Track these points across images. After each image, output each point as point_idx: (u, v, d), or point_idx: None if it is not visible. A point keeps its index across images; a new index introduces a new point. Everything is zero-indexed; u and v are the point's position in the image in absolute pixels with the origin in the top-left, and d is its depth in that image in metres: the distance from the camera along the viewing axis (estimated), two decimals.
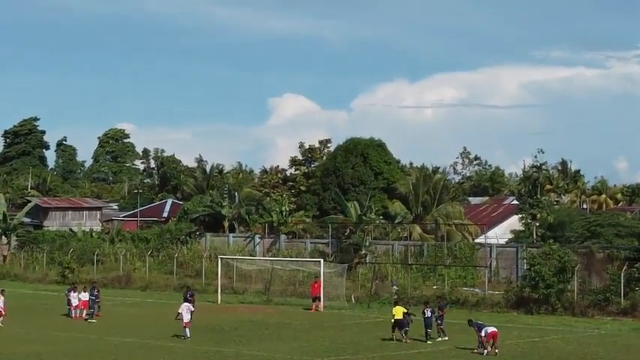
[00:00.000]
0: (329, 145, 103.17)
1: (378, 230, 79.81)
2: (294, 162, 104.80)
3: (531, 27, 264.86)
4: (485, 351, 40.58)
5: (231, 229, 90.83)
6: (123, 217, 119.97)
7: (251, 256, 78.75)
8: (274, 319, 54.98)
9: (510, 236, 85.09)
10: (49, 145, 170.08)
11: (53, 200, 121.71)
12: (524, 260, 64.30)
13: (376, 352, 41.95)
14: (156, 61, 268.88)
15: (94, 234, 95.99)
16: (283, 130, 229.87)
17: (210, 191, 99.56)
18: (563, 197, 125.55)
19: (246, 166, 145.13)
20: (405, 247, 75.74)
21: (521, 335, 47.67)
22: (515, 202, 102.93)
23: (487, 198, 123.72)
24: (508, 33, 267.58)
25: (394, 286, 64.08)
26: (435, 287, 65.70)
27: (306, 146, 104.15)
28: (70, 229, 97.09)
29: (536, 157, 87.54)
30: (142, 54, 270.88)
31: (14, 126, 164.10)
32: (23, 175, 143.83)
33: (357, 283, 67.81)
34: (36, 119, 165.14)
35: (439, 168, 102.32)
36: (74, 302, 53.95)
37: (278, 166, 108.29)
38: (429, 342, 44.83)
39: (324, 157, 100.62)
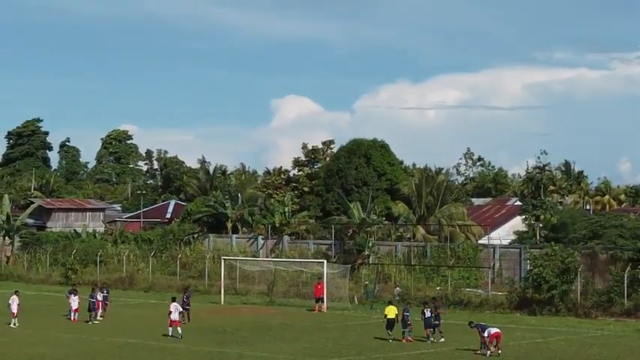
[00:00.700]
0: (332, 146, 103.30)
1: (381, 231, 79.78)
2: (297, 163, 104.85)
3: (534, 28, 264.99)
4: (489, 352, 40.55)
5: (234, 230, 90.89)
6: (126, 218, 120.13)
7: (254, 257, 78.75)
8: (277, 320, 54.98)
9: (513, 237, 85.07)
10: (52, 147, 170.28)
11: (56, 201, 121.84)
12: (528, 261, 64.24)
13: (379, 352, 41.92)
14: (158, 62, 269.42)
15: (97, 235, 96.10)
16: (286, 132, 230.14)
17: (214, 192, 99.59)
18: (567, 198, 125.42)
19: (249, 167, 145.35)
20: (408, 248, 75.71)
21: (524, 336, 47.63)
22: (518, 203, 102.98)
23: (490, 199, 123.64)
24: (510, 34, 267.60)
25: (397, 288, 64.10)
26: (438, 288, 65.69)
27: (309, 147, 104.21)
28: (74, 230, 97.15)
29: (539, 158, 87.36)
30: (145, 55, 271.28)
31: (17, 127, 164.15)
32: (26, 177, 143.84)
33: (359, 284, 67.79)
34: (39, 120, 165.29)
35: (442, 169, 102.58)
36: (74, 305, 53.84)
37: (281, 167, 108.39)
38: (432, 340, 44.94)
39: (327, 158, 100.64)
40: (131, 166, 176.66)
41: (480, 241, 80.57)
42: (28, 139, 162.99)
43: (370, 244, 73.97)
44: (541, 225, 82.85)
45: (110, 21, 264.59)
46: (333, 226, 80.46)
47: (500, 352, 40.58)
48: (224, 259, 68.63)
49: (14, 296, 52.90)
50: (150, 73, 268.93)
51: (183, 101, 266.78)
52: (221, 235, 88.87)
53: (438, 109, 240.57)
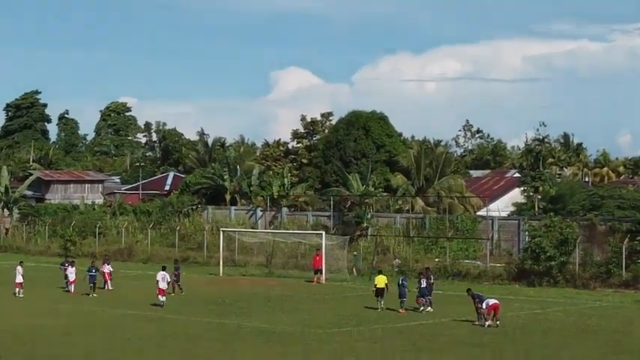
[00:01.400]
0: (331, 118, 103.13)
1: (379, 203, 79.77)
2: (296, 135, 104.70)
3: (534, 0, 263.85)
4: (487, 323, 40.64)
5: (233, 203, 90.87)
6: (125, 190, 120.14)
7: (253, 229, 78.79)
8: (276, 292, 55.09)
9: (512, 209, 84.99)
10: (50, 119, 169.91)
11: (55, 173, 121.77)
12: (526, 233, 64.31)
13: (378, 323, 42.01)
14: (157, 34, 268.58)
15: (96, 207, 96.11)
16: (285, 104, 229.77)
17: (212, 164, 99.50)
18: (566, 170, 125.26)
19: (248, 139, 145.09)
20: (406, 220, 75.77)
21: (523, 307, 47.75)
22: (517, 175, 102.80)
23: (489, 171, 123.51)
24: (511, 5, 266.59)
25: (396, 259, 64.17)
26: (436, 260, 65.74)
27: (308, 119, 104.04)
28: (71, 204, 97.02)
29: (537, 130, 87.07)
30: (145, 27, 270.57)
31: (16, 99, 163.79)
32: (25, 149, 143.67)
33: (358, 255, 67.82)
34: (37, 92, 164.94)
35: (441, 141, 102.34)
36: (71, 277, 53.96)
37: (280, 140, 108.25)
38: (427, 310, 45.37)
39: (326, 130, 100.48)
40: (130, 138, 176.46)
41: (478, 213, 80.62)
42: (27, 111, 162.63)
43: (369, 216, 74.03)
44: (540, 197, 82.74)
45: None
46: (331, 198, 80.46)
47: (498, 322, 40.67)
48: (223, 230, 68.64)
49: (19, 267, 53.53)
50: (149, 45, 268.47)
51: (183, 73, 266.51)
52: (220, 207, 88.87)
53: (438, 81, 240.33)
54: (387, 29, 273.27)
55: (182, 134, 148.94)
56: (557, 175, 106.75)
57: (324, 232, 64.88)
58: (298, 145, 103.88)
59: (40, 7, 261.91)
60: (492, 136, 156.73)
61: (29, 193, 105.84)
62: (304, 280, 61.39)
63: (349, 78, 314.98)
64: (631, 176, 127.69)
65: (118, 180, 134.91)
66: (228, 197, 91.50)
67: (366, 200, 76.58)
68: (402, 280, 46.42)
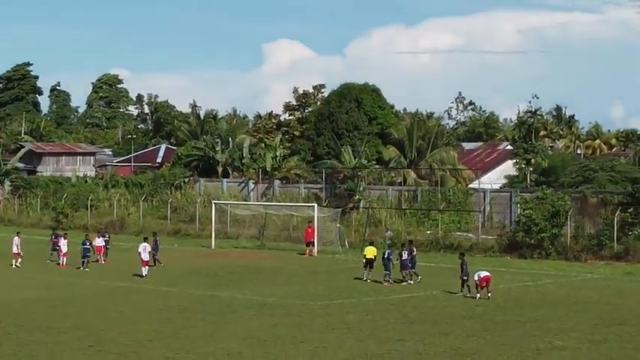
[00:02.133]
0: (323, 90, 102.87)
1: (372, 175, 79.78)
2: (288, 107, 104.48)
3: None
4: (478, 295, 40.73)
5: (225, 175, 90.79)
6: (117, 162, 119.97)
7: (245, 201, 78.78)
8: (268, 264, 55.17)
9: (504, 181, 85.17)
10: (42, 91, 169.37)
11: (47, 145, 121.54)
12: (518, 205, 64.40)
13: (370, 296, 42.09)
14: (150, 6, 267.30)
15: (87, 179, 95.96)
16: (277, 76, 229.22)
17: (204, 136, 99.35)
18: (558, 142, 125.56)
19: (240, 111, 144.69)
20: (399, 193, 75.77)
21: (514, 279, 47.87)
22: (509, 147, 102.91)
23: (481, 143, 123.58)
24: None
25: (388, 232, 64.21)
26: (428, 232, 65.85)
27: (300, 92, 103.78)
28: (62, 175, 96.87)
29: (530, 102, 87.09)
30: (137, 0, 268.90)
31: (7, 71, 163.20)
32: (17, 121, 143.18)
33: (350, 227, 67.92)
34: (29, 64, 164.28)
35: (433, 113, 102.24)
36: (63, 249, 53.93)
37: (272, 112, 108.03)
38: (410, 282, 45.74)
39: (318, 103, 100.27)
40: (122, 110, 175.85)
41: (470, 185, 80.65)
42: (18, 83, 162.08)
43: (361, 189, 74.02)
44: (532, 169, 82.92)
45: None
46: (323, 171, 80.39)
47: (489, 295, 40.76)
48: (215, 203, 68.64)
49: (16, 237, 53.89)
50: (141, 17, 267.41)
51: (174, 45, 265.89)
52: (212, 180, 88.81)
53: (431, 53, 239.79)
54: (380, 0, 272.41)
55: (174, 106, 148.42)
56: (549, 148, 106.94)
57: (315, 205, 64.87)
58: (290, 117, 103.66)
59: None
60: (485, 109, 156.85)
61: (21, 165, 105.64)
62: (296, 252, 61.45)
63: (341, 50, 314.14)
64: (623, 148, 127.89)
65: (110, 152, 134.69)
66: (220, 170, 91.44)
67: (359, 173, 76.54)
68: (387, 254, 46.60)
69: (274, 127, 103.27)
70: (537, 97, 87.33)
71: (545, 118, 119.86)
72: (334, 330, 33.39)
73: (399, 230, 65.62)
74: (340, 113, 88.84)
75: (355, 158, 78.12)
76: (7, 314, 36.60)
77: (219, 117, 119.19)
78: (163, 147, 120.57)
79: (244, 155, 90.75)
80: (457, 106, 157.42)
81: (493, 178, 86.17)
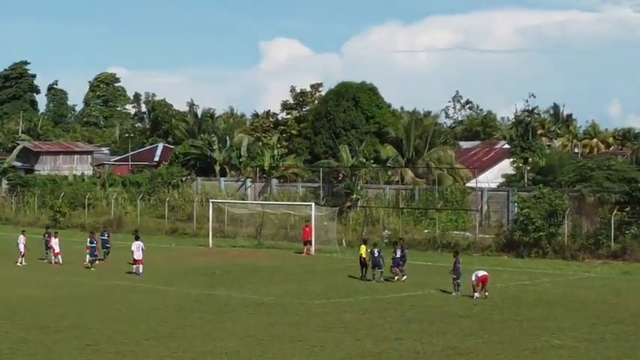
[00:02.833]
0: (320, 89, 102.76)
1: (369, 174, 79.78)
2: (285, 106, 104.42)
3: None
4: (475, 294, 40.74)
5: (223, 174, 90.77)
6: (114, 161, 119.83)
7: (242, 200, 78.76)
8: (265, 263, 55.17)
9: (501, 180, 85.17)
10: (39, 90, 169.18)
11: (44, 144, 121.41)
12: (515, 204, 64.42)
13: (367, 294, 42.12)
14: (147, 4, 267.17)
15: (85, 178, 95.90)
16: (275, 75, 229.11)
17: (201, 135, 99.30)
18: (555, 141, 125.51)
19: (237, 110, 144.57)
20: (396, 191, 75.79)
21: (512, 278, 47.89)
22: (506, 146, 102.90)
23: (479, 142, 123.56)
24: None
25: (386, 231, 64.22)
26: (426, 231, 65.86)
27: (298, 90, 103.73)
28: (59, 174, 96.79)
29: (527, 101, 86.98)
30: None
31: (4, 70, 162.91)
32: (14, 120, 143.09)
33: (348, 226, 67.95)
34: (26, 63, 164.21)
35: (430, 112, 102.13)
36: (56, 248, 54.03)
37: (269, 111, 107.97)
38: (397, 279, 46.10)
39: (316, 101, 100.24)
40: (119, 109, 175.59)
41: (468, 184, 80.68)
42: (16, 81, 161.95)
43: (359, 187, 74.02)
44: (529, 168, 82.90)
45: None
46: (321, 169, 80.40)
47: (487, 294, 40.77)
48: (212, 202, 68.64)
49: (21, 236, 54.26)
50: (138, 16, 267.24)
51: (172, 44, 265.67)
52: (209, 179, 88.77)
53: (428, 51, 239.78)
54: None
55: (171, 105, 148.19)
56: (546, 147, 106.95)
57: (313, 204, 64.87)
58: (288, 116, 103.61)
59: None
60: (482, 107, 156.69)
61: (18, 164, 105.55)
62: (294, 251, 61.47)
63: (339, 48, 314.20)
64: (620, 147, 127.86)
65: (107, 151, 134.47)
66: (217, 168, 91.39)
67: (356, 171, 76.53)
68: (377, 253, 46.71)
69: (272, 125, 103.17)
70: (534, 96, 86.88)
71: (542, 116, 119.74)
72: (331, 329, 33.41)
73: (396, 229, 65.65)
74: (338, 112, 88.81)
75: (353, 157, 78.11)
76: (5, 312, 36.60)
77: (217, 116, 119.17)
78: (161, 146, 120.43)
79: (242, 154, 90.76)
80: (454, 104, 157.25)
81: (490, 177, 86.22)
